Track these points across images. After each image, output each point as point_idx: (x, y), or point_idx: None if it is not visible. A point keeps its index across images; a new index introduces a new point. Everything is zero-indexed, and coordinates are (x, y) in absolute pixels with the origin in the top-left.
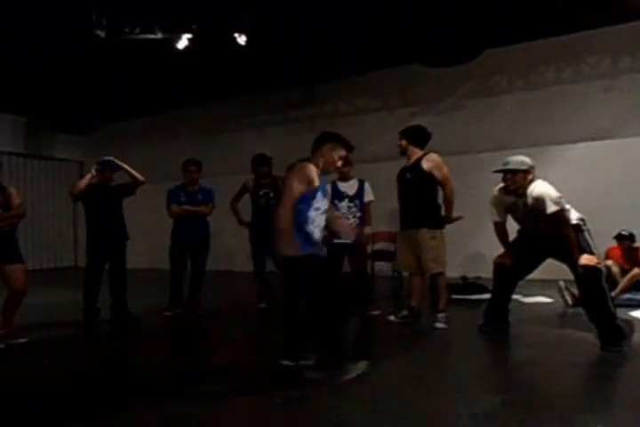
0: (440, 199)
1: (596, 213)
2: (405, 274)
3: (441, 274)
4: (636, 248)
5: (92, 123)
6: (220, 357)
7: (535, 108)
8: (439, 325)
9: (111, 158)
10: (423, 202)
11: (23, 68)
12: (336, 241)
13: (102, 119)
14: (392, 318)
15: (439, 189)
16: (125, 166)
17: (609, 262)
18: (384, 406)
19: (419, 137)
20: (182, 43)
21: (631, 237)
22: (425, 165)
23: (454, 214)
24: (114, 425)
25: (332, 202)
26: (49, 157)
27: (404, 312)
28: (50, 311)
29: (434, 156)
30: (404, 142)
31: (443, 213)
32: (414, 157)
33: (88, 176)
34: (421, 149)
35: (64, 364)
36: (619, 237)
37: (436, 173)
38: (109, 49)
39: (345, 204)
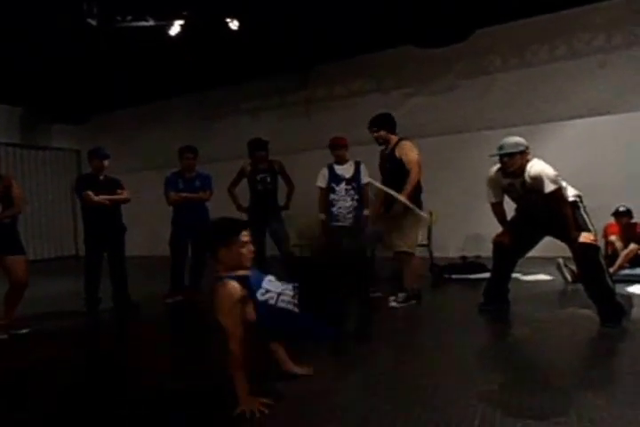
0: (421, 183)
1: (593, 189)
2: None
3: (409, 254)
4: (635, 224)
5: (88, 112)
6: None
7: (530, 85)
8: (393, 303)
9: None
10: (400, 187)
11: (17, 58)
12: (334, 224)
13: (98, 108)
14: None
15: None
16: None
17: (612, 238)
18: (385, 387)
19: (392, 124)
20: (174, 29)
21: (629, 213)
22: (397, 152)
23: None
24: (115, 414)
25: (329, 185)
26: (45, 146)
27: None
28: (52, 301)
29: (405, 143)
30: (383, 133)
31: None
32: (391, 145)
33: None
34: (395, 134)
35: (66, 354)
36: (617, 214)
37: (403, 157)
38: (103, 37)
39: (342, 186)
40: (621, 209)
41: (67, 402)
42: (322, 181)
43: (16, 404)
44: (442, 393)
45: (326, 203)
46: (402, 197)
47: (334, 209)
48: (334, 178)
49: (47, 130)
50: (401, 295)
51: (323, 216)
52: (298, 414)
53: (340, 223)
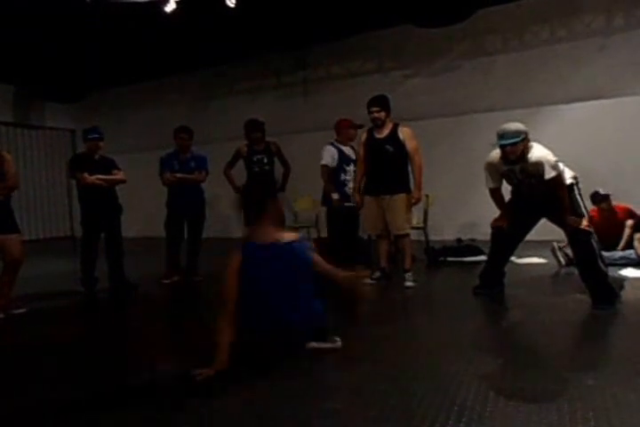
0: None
1: (590, 172)
2: None
3: (408, 235)
4: (614, 209)
5: (82, 90)
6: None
7: (530, 68)
8: (409, 283)
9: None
10: (402, 170)
11: (8, 34)
12: (347, 204)
13: (93, 86)
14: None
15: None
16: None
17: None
18: (379, 367)
19: (390, 107)
20: (170, 6)
21: (606, 198)
22: (401, 135)
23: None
24: (112, 396)
25: (340, 166)
26: (39, 126)
27: (377, 274)
28: (48, 281)
29: (407, 128)
30: (383, 114)
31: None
32: (389, 128)
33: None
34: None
35: (64, 333)
36: (595, 199)
37: (407, 143)
38: (96, 14)
39: (352, 168)
40: (602, 192)
41: (61, 381)
42: (330, 160)
43: (10, 382)
44: (439, 373)
45: (333, 182)
46: None
47: (347, 189)
48: (345, 159)
49: (40, 109)
50: (408, 275)
51: (336, 195)
52: (297, 391)
53: (351, 204)
